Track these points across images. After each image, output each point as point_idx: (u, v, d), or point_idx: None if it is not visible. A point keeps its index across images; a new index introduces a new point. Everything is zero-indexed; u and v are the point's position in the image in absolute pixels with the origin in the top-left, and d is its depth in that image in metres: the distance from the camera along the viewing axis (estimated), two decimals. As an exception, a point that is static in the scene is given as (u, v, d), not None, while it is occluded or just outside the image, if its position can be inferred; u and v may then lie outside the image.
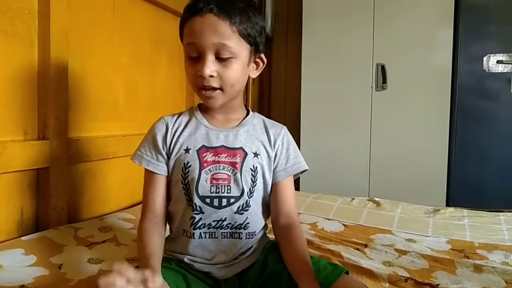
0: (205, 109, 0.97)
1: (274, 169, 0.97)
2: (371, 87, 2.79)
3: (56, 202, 1.38)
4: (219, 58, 0.84)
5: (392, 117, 2.76)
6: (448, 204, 2.54)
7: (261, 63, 0.96)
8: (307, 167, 1.02)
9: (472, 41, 2.62)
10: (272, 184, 0.97)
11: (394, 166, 2.75)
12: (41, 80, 1.33)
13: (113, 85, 1.68)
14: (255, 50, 0.92)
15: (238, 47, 0.86)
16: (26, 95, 1.30)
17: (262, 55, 0.95)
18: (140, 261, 0.84)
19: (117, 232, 1.35)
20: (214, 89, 0.86)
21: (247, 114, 1.00)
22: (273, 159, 0.97)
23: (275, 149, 0.97)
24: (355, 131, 2.85)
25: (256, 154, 0.94)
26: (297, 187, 2.58)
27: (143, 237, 0.88)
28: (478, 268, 1.16)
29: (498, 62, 2.59)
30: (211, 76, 0.84)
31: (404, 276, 1.08)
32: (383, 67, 2.75)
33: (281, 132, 1.00)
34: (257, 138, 0.96)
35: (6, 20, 1.21)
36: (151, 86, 1.92)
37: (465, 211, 1.73)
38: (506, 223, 1.56)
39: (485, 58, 2.61)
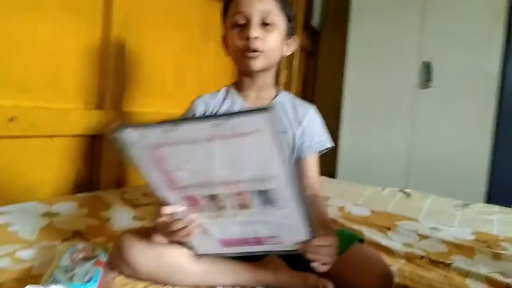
0: (239, 87, 1.07)
1: (301, 144, 1.05)
2: (416, 84, 2.79)
3: (107, 168, 1.54)
4: (264, 24, 0.96)
5: (436, 116, 2.74)
6: (487, 206, 2.50)
7: (294, 44, 1.07)
8: (332, 144, 1.09)
9: (524, 41, 2.55)
10: (298, 159, 1.06)
11: (434, 165, 2.73)
12: (102, 56, 1.49)
13: (165, 66, 1.82)
14: (290, 29, 1.03)
15: (279, 18, 0.98)
16: (89, 69, 1.46)
17: (295, 36, 1.07)
18: None
19: (159, 198, 1.48)
20: (257, 51, 0.97)
21: (278, 93, 1.09)
22: (298, 136, 1.05)
23: (301, 127, 1.05)
24: (397, 127, 2.85)
25: (283, 131, 1.02)
26: (332, 176, 2.65)
27: None
28: (496, 256, 1.18)
29: (551, 65, 2.51)
30: (256, 38, 0.95)
31: (420, 255, 1.13)
32: (429, 65, 2.73)
33: (309, 111, 1.08)
34: (286, 115, 1.05)
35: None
36: (199, 70, 2.05)
37: (496, 207, 1.73)
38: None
39: (537, 60, 2.54)
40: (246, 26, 0.96)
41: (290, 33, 1.04)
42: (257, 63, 0.98)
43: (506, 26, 2.55)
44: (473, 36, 2.63)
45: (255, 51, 0.96)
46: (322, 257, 0.77)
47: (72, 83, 1.41)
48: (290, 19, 1.02)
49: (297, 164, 1.06)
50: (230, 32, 1.00)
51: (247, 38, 0.95)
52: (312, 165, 1.06)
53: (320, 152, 1.08)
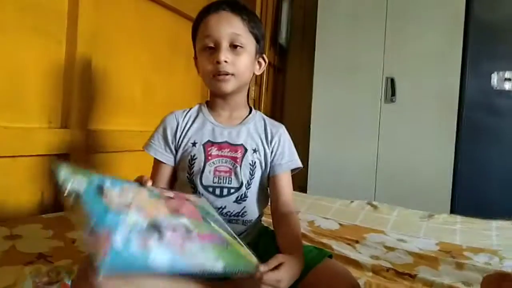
0: (211, 106, 1.08)
1: (271, 163, 1.07)
2: (380, 99, 2.87)
3: (73, 187, 1.50)
4: (233, 47, 0.97)
5: (400, 129, 2.83)
6: (451, 217, 2.58)
7: (263, 63, 1.09)
8: (301, 165, 1.10)
9: (481, 58, 2.68)
10: (271, 177, 1.07)
11: (400, 176, 2.81)
12: (67, 75, 1.47)
13: (132, 84, 1.81)
14: (260, 49, 1.05)
15: (247, 40, 1.00)
16: (53, 87, 1.44)
17: (265, 56, 1.09)
18: None
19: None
20: (227, 74, 0.98)
21: (250, 112, 1.11)
22: (269, 155, 1.07)
23: (272, 146, 1.07)
24: (363, 141, 2.93)
25: (255, 150, 1.04)
26: (304, 191, 2.68)
27: None
28: (459, 266, 1.23)
29: (506, 79, 2.65)
30: (226, 61, 0.96)
31: (386, 267, 1.16)
32: (392, 80, 2.83)
33: (279, 131, 1.10)
34: (257, 135, 1.07)
35: (39, 19, 1.35)
36: (168, 87, 2.05)
37: (459, 217, 1.80)
38: (496, 230, 1.62)
39: (493, 75, 2.67)
40: (215, 49, 0.97)
41: (260, 52, 1.05)
42: (228, 86, 1.00)
43: (464, 42, 2.68)
44: (433, 53, 2.75)
45: (226, 74, 0.98)
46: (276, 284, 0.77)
47: (35, 102, 1.38)
48: (259, 39, 1.03)
49: (271, 181, 1.07)
50: (200, 55, 1.01)
51: (217, 62, 0.96)
52: (284, 182, 1.08)
53: (291, 171, 1.10)
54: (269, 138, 1.07)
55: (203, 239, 0.71)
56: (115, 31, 1.67)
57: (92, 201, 0.64)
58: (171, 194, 0.80)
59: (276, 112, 3.52)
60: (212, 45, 0.98)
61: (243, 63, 0.99)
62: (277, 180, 1.07)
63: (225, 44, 0.97)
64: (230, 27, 0.97)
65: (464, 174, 2.70)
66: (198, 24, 1.02)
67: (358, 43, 2.94)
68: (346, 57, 2.98)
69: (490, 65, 2.67)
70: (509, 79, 2.64)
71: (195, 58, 1.06)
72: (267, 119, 1.12)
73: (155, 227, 0.65)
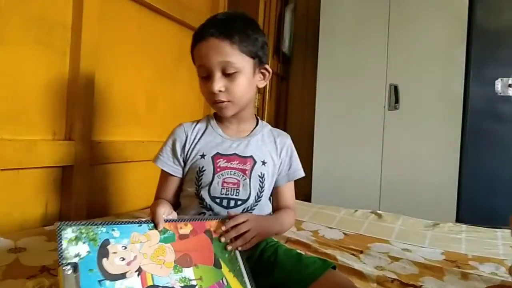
0: (219, 118, 1.09)
1: (278, 174, 1.09)
2: (384, 107, 2.87)
3: (77, 198, 1.51)
4: (226, 74, 0.96)
5: (404, 137, 2.82)
6: (457, 224, 2.56)
7: (267, 73, 1.07)
8: (304, 174, 1.14)
9: (484, 64, 2.68)
10: (274, 187, 1.09)
11: (405, 184, 2.80)
12: (71, 87, 1.47)
13: (135, 95, 1.82)
14: (259, 62, 1.03)
15: (241, 62, 0.97)
16: (57, 100, 1.45)
17: (267, 66, 1.07)
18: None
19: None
20: (224, 101, 0.98)
21: (257, 123, 1.11)
22: (278, 166, 1.08)
23: (281, 157, 1.09)
24: (367, 149, 2.92)
25: (263, 162, 1.05)
26: (308, 200, 2.66)
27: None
28: (465, 276, 1.22)
29: (510, 85, 2.64)
30: (220, 91, 0.96)
31: (391, 278, 1.15)
32: (396, 88, 2.83)
33: (286, 142, 1.12)
34: (266, 147, 1.08)
35: (43, 32, 1.37)
36: (171, 98, 2.06)
37: (464, 226, 1.78)
38: (502, 239, 1.61)
39: (497, 81, 2.66)
40: (209, 78, 0.97)
41: (260, 65, 1.03)
42: (228, 112, 1.01)
43: (467, 48, 2.68)
44: (436, 60, 2.75)
45: (222, 102, 0.98)
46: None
47: (39, 114, 1.39)
48: (255, 55, 1.00)
49: (274, 191, 1.10)
50: (199, 81, 1.02)
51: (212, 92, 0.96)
52: (288, 191, 1.11)
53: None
54: (279, 150, 1.09)
55: None
56: (118, 42, 1.69)
57: (85, 277, 0.66)
58: (187, 229, 0.84)
59: (279, 121, 3.52)
60: (205, 74, 0.98)
61: (240, 88, 0.98)
62: (281, 189, 1.10)
63: (217, 74, 0.96)
64: (220, 56, 0.95)
65: (469, 182, 2.68)
66: (192, 50, 1.02)
67: (361, 51, 2.95)
68: (349, 65, 2.98)
69: (494, 71, 2.67)
70: (513, 85, 2.63)
71: None
72: (273, 130, 1.14)
73: None
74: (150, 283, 0.71)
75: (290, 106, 3.65)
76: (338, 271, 1.04)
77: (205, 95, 1.01)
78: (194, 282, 0.75)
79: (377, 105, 2.89)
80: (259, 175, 1.03)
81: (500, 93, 2.66)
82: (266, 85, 3.09)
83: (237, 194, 1.01)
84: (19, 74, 1.32)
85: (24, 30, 1.31)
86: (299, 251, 1.19)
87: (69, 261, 0.66)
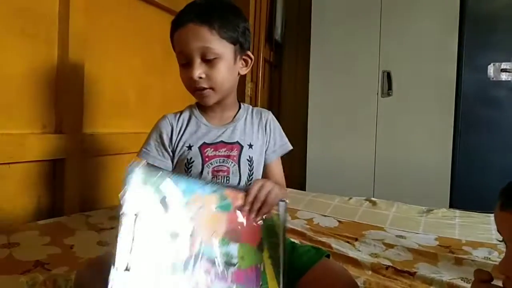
0: (202, 107, 1.07)
1: (266, 151, 1.07)
2: (377, 94, 2.86)
3: (70, 191, 1.50)
4: (205, 60, 0.94)
5: (397, 123, 2.82)
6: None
7: (249, 60, 1.05)
8: (291, 147, 1.11)
9: (477, 49, 2.67)
10: (265, 165, 1.07)
11: (399, 171, 2.81)
12: (60, 78, 1.45)
13: (125, 86, 1.80)
14: (241, 49, 1.01)
15: (221, 48, 0.95)
16: (45, 92, 1.43)
17: (249, 53, 1.04)
18: None
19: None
20: (205, 89, 0.96)
21: (239, 108, 1.09)
22: (265, 144, 1.07)
23: (267, 133, 1.08)
24: (361, 136, 2.92)
25: (250, 145, 1.03)
26: (302, 188, 2.67)
27: None
28: (458, 261, 1.23)
29: (503, 70, 2.64)
30: (200, 77, 0.94)
31: (386, 265, 1.16)
32: (388, 74, 2.82)
33: (268, 118, 1.10)
34: (252, 127, 1.06)
35: (30, 23, 1.34)
36: (162, 88, 2.04)
37: (457, 212, 1.79)
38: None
39: (489, 67, 2.66)
40: (189, 65, 0.95)
41: (241, 51, 1.01)
42: (209, 100, 0.99)
43: (460, 34, 2.67)
44: (429, 46, 2.74)
45: (203, 89, 0.96)
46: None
47: (27, 108, 1.37)
48: (236, 41, 0.98)
49: (264, 169, 1.07)
50: (180, 68, 0.99)
51: (192, 79, 0.94)
52: (277, 167, 1.09)
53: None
54: (263, 128, 1.08)
55: (237, 279, 0.71)
56: (107, 32, 1.66)
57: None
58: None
59: (273, 109, 3.51)
60: (185, 61, 0.96)
61: (220, 74, 0.96)
62: (270, 166, 1.08)
63: (197, 60, 0.94)
64: (199, 41, 0.93)
65: (462, 167, 2.69)
66: (172, 37, 1.00)
67: (354, 37, 2.93)
68: (342, 52, 2.96)
69: (486, 56, 2.66)
70: (505, 70, 2.63)
71: None
72: (255, 109, 1.11)
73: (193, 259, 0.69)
74: (197, 249, 0.69)
75: (283, 94, 3.64)
76: (333, 260, 1.05)
77: (185, 83, 0.99)
78: (235, 261, 0.72)
79: (370, 92, 2.88)
80: (247, 159, 1.02)
81: (493, 78, 2.66)
82: (259, 73, 3.10)
83: (228, 181, 1.00)
84: (5, 66, 1.30)
85: (10, 21, 1.29)
86: (293, 240, 1.20)
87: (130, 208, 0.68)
